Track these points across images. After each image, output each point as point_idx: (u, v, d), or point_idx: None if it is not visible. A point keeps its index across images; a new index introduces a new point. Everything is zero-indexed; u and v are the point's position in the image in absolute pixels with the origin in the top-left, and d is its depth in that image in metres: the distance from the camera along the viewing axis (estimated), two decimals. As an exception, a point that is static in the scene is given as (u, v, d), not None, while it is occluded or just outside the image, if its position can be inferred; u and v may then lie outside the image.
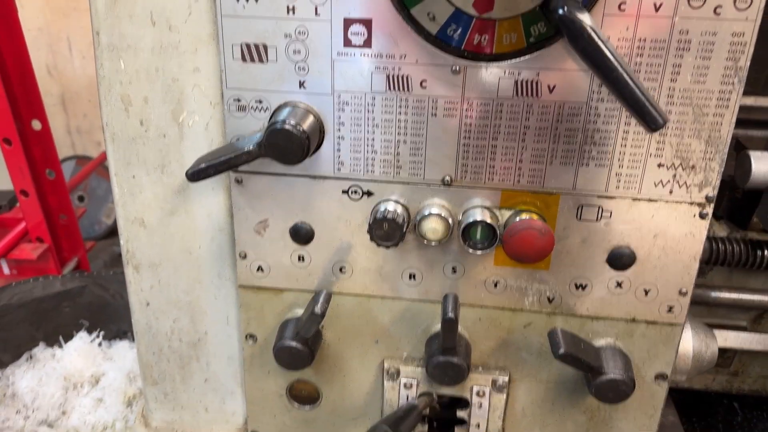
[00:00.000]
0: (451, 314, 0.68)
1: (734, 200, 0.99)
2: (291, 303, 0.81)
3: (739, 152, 0.84)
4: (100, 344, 1.36)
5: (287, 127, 0.65)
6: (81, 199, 2.94)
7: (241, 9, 0.67)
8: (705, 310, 1.04)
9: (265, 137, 0.66)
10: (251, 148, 0.67)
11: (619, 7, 0.61)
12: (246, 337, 0.85)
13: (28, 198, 1.77)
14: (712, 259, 0.93)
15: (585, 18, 0.55)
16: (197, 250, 0.82)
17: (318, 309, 0.70)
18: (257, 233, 0.78)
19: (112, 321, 1.42)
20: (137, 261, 0.84)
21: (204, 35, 0.70)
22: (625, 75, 0.54)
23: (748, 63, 0.62)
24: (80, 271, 1.78)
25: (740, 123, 1.00)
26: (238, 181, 0.75)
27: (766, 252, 0.91)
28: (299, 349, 0.76)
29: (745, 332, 1.00)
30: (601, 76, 0.56)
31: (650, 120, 0.55)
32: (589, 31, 0.54)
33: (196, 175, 0.68)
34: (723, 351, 1.04)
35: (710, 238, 0.94)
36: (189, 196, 0.79)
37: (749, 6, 0.60)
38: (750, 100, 1.09)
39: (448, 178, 0.71)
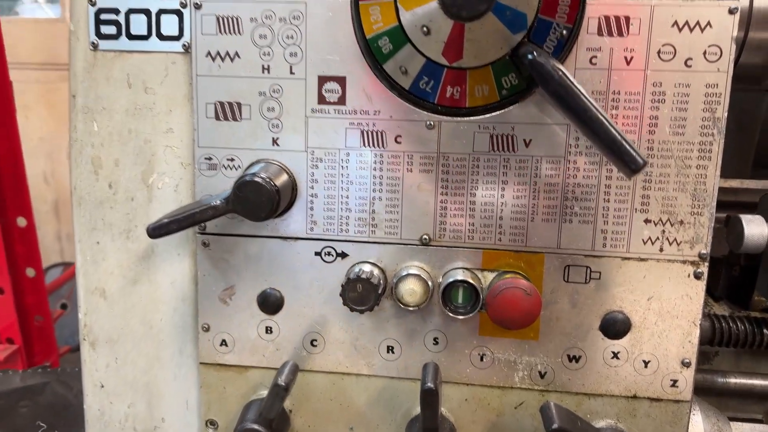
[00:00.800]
0: (430, 384, 0.60)
1: (732, 279, 0.94)
2: (256, 383, 0.74)
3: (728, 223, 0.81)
4: (55, 452, 1.23)
5: (257, 179, 0.63)
6: (64, 306, 2.85)
7: (216, 68, 0.67)
8: (714, 401, 0.94)
9: (234, 190, 0.64)
10: (218, 202, 0.64)
11: (591, 60, 0.62)
12: (206, 423, 0.76)
13: (3, 295, 1.71)
14: (716, 339, 0.87)
15: (554, 62, 0.55)
16: (158, 323, 0.76)
17: (282, 380, 0.63)
18: (222, 302, 0.72)
19: (73, 425, 1.30)
20: (94, 336, 0.78)
21: (179, 96, 0.70)
22: (599, 115, 0.53)
23: (725, 113, 0.61)
24: (43, 366, 1.66)
25: (729, 206, 0.99)
26: (205, 244, 0.71)
27: (774, 330, 0.85)
28: (262, 432, 0.67)
29: (762, 425, 0.91)
30: (575, 118, 0.55)
31: (629, 160, 0.53)
32: (560, 72, 0.54)
33: (157, 230, 0.64)
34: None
35: (711, 316, 0.88)
36: (153, 262, 0.74)
37: (719, 58, 0.60)
38: (736, 183, 1.09)
39: (426, 236, 0.67)
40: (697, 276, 0.64)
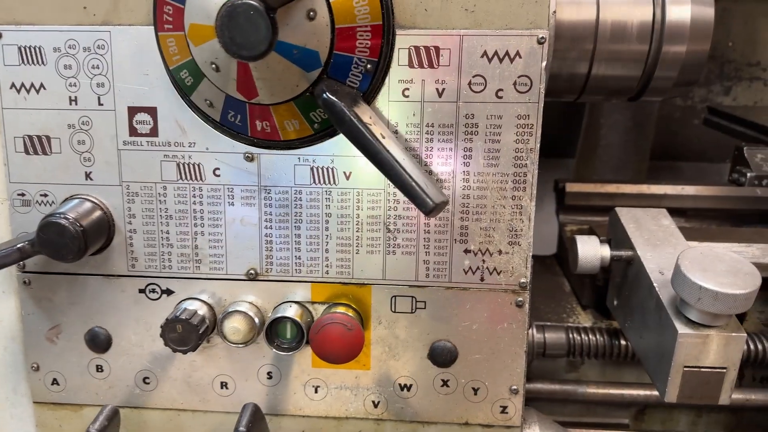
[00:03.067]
0: (242, 428, 0.59)
1: (597, 288, 0.96)
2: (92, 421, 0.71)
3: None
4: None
5: (60, 220, 0.60)
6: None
7: (22, 101, 0.63)
8: (583, 409, 0.97)
9: (37, 231, 0.60)
10: (23, 245, 0.61)
11: (403, 93, 0.60)
12: (44, 464, 0.73)
13: None
14: (575, 352, 0.88)
15: (348, 102, 0.53)
16: (-12, 362, 0.72)
17: (95, 427, 0.60)
18: (50, 341, 0.69)
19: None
20: None
21: (-12, 128, 0.66)
22: (390, 159, 0.52)
23: (538, 144, 0.61)
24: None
25: (608, 210, 1.00)
26: (26, 283, 0.68)
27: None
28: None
29: (627, 431, 0.93)
30: (370, 160, 0.53)
31: (420, 203, 0.52)
32: (350, 114, 0.52)
33: (-45, 276, 0.60)
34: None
35: (571, 328, 0.90)
36: (-23, 301, 0.71)
37: (529, 89, 0.60)
38: (612, 188, 1.11)
39: (252, 271, 0.66)
40: (519, 305, 0.64)
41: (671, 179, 1.46)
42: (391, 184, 0.62)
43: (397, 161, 0.52)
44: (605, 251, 0.73)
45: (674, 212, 0.85)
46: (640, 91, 0.80)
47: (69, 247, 0.60)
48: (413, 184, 0.52)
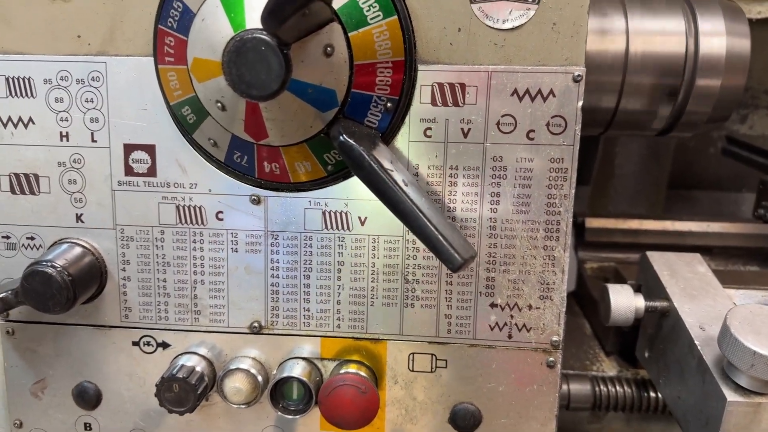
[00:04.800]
0: (244, 503, 0.53)
1: (622, 335, 0.90)
2: (79, 483, 0.65)
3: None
4: None
5: (45, 269, 0.54)
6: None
7: (8, 136, 0.58)
8: (606, 461, 0.91)
9: (21, 281, 0.55)
10: (5, 295, 0.56)
11: (425, 133, 0.55)
12: None
13: None
14: (601, 405, 0.82)
15: (370, 146, 0.48)
16: (-34, 417, 0.66)
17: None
18: (35, 396, 0.63)
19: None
20: None
21: (-28, 164, 0.61)
22: (414, 209, 0.46)
23: (573, 190, 0.56)
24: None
25: (630, 247, 0.94)
26: (9, 333, 0.62)
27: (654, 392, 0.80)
28: None
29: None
30: (390, 209, 0.48)
31: (446, 259, 0.46)
32: (369, 160, 0.47)
33: (-72, 329, 0.55)
34: None
35: (597, 379, 0.84)
36: (-44, 350, 0.65)
37: (564, 130, 0.55)
38: (635, 224, 1.06)
39: (256, 324, 0.60)
40: (550, 365, 0.59)
41: (688, 209, 1.40)
42: (410, 231, 0.57)
43: (421, 212, 0.47)
44: (639, 302, 0.67)
45: (699, 249, 0.80)
46: (669, 126, 0.75)
47: (56, 298, 0.55)
48: (439, 237, 0.46)
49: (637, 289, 0.70)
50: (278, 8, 0.38)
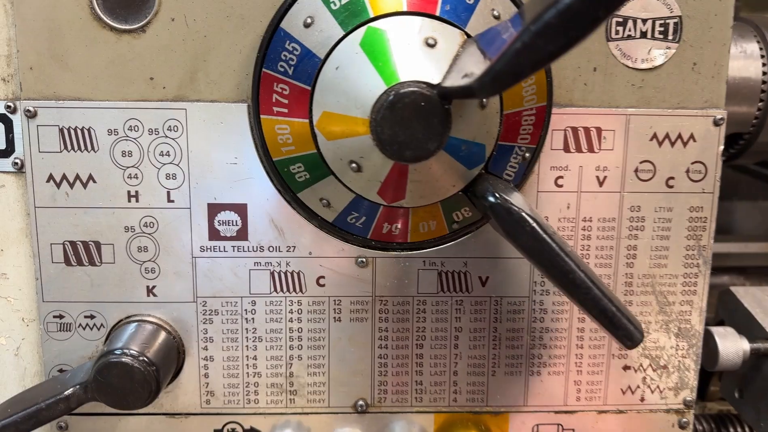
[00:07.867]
0: None
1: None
2: None
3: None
4: None
5: (122, 359, 0.45)
6: None
7: (62, 197, 0.49)
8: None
9: (94, 374, 0.45)
10: (72, 392, 0.46)
11: (556, 182, 0.50)
12: None
13: None
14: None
15: (522, 205, 0.42)
16: None
17: None
18: (92, 499, 0.54)
19: None
20: None
21: (13, 231, 0.50)
22: (586, 280, 0.41)
23: (712, 241, 0.51)
24: None
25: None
26: (62, 428, 0.52)
27: (738, 429, 0.78)
28: None
29: None
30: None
31: (625, 335, 0.41)
32: (532, 224, 0.41)
33: (-20, 442, 0.45)
34: None
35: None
36: (-11, 450, 0.54)
37: (704, 177, 0.50)
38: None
39: (362, 402, 0.53)
40: (683, 426, 0.54)
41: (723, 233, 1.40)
42: (537, 291, 0.51)
43: (593, 282, 0.41)
44: (745, 345, 0.64)
45: (736, 270, 0.78)
46: (738, 153, 0.72)
47: (137, 393, 0.46)
48: (615, 312, 0.41)
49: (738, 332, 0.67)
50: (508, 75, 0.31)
